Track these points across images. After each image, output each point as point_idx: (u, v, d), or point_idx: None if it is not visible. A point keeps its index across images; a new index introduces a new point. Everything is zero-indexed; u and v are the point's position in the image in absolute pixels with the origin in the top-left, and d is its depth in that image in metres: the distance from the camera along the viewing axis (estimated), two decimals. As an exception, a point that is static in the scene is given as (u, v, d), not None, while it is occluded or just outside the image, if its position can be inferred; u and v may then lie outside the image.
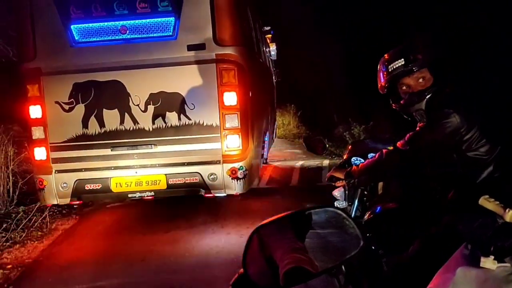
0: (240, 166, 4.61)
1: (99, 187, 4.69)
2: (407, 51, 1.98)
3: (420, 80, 1.96)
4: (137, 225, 5.16)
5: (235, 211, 5.32)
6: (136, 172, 4.66)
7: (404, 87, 2.01)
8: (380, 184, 2.36)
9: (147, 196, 4.71)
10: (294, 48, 13.64)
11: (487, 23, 9.09)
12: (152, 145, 4.59)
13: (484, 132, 1.87)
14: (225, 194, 4.70)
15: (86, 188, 4.70)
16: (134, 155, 4.64)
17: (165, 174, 4.63)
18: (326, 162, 8.22)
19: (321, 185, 6.37)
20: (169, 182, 4.63)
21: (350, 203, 2.23)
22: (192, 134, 4.58)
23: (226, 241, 4.42)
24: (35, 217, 5.18)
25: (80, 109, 4.63)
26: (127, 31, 4.55)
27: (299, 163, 8.39)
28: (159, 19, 4.50)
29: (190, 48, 4.46)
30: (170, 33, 4.51)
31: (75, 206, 5.66)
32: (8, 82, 7.94)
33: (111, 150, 4.62)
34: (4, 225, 4.87)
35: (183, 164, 4.62)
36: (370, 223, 2.11)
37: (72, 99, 4.62)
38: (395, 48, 2.05)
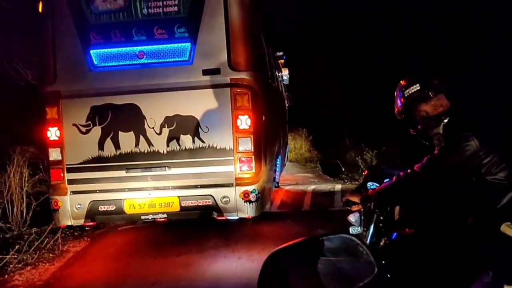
0: (253, 190, 4.61)
1: (112, 209, 4.72)
2: (423, 77, 2.02)
3: (437, 106, 1.99)
4: (148, 248, 5.14)
5: (246, 235, 5.29)
6: (150, 194, 4.69)
7: (422, 113, 2.03)
8: (397, 209, 2.33)
9: (160, 218, 4.72)
10: (307, 73, 13.82)
11: (487, 23, 9.10)
12: (166, 167, 4.63)
13: (503, 156, 1.87)
14: (237, 217, 4.69)
15: (100, 209, 4.74)
16: (148, 177, 4.68)
17: (178, 197, 4.65)
18: (338, 186, 8.18)
19: (333, 210, 6.34)
20: (182, 205, 4.64)
21: (365, 229, 2.19)
22: (206, 157, 4.62)
23: (238, 265, 4.39)
24: (47, 239, 5.22)
25: (96, 131, 4.72)
26: (145, 56, 4.67)
27: (311, 187, 8.36)
28: (175, 45, 4.62)
29: (205, 72, 4.56)
30: (186, 58, 4.61)
31: (86, 228, 5.69)
32: (26, 105, 8.17)
33: (126, 172, 4.67)
34: (17, 247, 4.89)
35: (196, 187, 4.64)
36: (386, 249, 2.08)
37: (89, 122, 4.71)
38: (411, 74, 2.08)
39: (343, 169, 2.57)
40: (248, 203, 4.60)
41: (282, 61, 9.49)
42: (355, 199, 2.19)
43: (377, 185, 2.29)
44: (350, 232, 2.17)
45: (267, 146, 5.03)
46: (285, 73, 9.83)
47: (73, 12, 4.68)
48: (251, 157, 4.61)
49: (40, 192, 6.50)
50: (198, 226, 5.42)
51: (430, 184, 2.01)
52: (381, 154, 9.54)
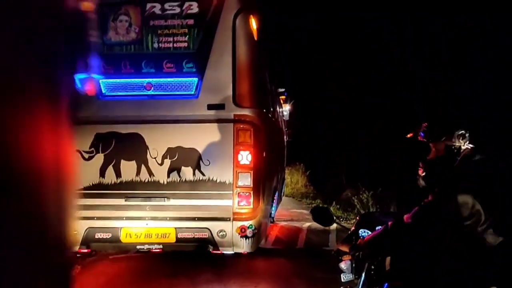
0: (250, 225, 4.64)
1: (108, 237, 4.72)
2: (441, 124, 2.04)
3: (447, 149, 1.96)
4: (139, 279, 5.07)
5: (239, 271, 5.23)
6: (147, 224, 4.70)
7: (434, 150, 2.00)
8: (388, 259, 2.29)
9: (155, 249, 4.71)
10: (306, 107, 14.07)
11: (487, 23, 9.23)
12: (165, 198, 4.67)
13: (496, 223, 1.81)
14: (233, 252, 4.69)
15: (95, 236, 4.73)
16: (146, 207, 4.71)
17: (175, 228, 4.66)
18: (333, 225, 8.15)
19: (328, 249, 6.30)
20: (179, 236, 4.65)
21: (356, 277, 2.20)
22: (205, 190, 4.67)
23: (230, 302, 4.35)
24: None
25: (99, 158, 4.78)
26: (152, 88, 4.80)
27: (306, 225, 8.32)
28: (183, 79, 4.76)
29: (210, 107, 4.68)
30: (192, 92, 4.75)
31: (78, 256, 5.64)
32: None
33: (125, 201, 4.70)
34: None
35: (193, 219, 4.66)
36: None
37: (93, 148, 4.78)
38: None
39: (335, 218, 2.53)
40: (244, 238, 4.62)
41: (283, 97, 9.72)
42: (345, 248, 2.20)
43: (369, 232, 2.30)
44: (342, 279, 2.19)
45: (265, 182, 5.09)
46: (285, 109, 10.06)
47: (86, 42, 4.84)
48: (250, 193, 4.66)
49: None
50: (191, 258, 5.37)
51: (421, 231, 1.97)
52: (377, 196, 9.51)
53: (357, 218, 2.69)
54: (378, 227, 2.24)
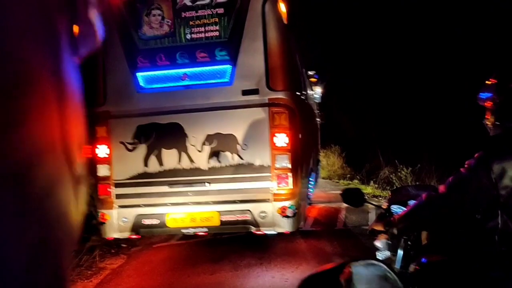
0: (290, 205, 4.75)
1: (156, 223, 4.97)
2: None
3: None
4: (182, 266, 5.21)
5: (280, 253, 5.36)
6: (191, 209, 4.91)
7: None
8: (424, 233, 2.21)
9: (201, 232, 4.93)
10: (340, 90, 13.96)
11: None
12: (207, 183, 4.86)
13: None
14: (275, 232, 4.83)
15: (143, 223, 5.00)
16: (189, 193, 4.92)
17: (218, 211, 4.85)
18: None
19: (367, 228, 6.28)
20: (222, 219, 4.84)
21: (393, 254, 2.13)
22: (244, 173, 4.81)
23: (271, 285, 4.42)
24: (85, 257, 5.39)
25: (142, 149, 5.02)
26: (187, 78, 4.97)
27: (344, 205, 8.36)
28: (217, 67, 4.90)
29: (245, 93, 4.80)
30: (227, 80, 4.88)
31: (123, 245, 5.94)
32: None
33: (169, 187, 4.93)
34: None
35: (235, 202, 4.83)
36: (416, 275, 1.97)
37: (136, 140, 5.02)
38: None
39: (366, 197, 2.44)
40: (285, 218, 4.74)
41: (314, 79, 9.69)
42: (379, 227, 2.11)
43: (403, 208, 2.19)
44: (378, 257, 2.13)
45: (303, 163, 5.18)
46: (317, 91, 10.03)
47: (122, 38, 5.06)
48: (288, 174, 4.77)
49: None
50: (231, 243, 5.52)
51: (459, 206, 1.83)
52: (415, 172, 9.36)
53: (389, 194, 2.61)
54: (411, 202, 2.12)
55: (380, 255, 2.15)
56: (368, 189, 10.35)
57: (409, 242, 2.12)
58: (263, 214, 4.77)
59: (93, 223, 5.47)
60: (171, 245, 6.06)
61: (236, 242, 5.49)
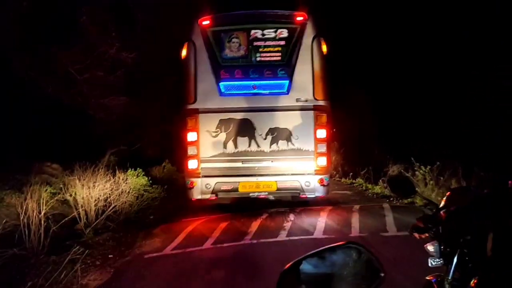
0: (326, 177, 7.04)
1: (230, 188, 7.09)
2: None
3: None
4: (175, 282, 4.45)
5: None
6: (257, 179, 7.07)
7: None
8: (490, 240, 1.50)
9: (263, 195, 7.10)
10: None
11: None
12: (270, 161, 7.04)
13: None
14: (314, 196, 7.08)
15: (221, 188, 7.10)
16: (256, 168, 7.07)
17: (276, 181, 7.05)
18: (386, 205, 7.64)
19: (385, 235, 5.57)
20: (278, 186, 7.04)
21: (446, 262, 1.70)
22: (295, 155, 7.04)
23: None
24: (65, 271, 4.52)
25: (222, 136, 7.14)
26: (256, 88, 7.14)
27: (356, 208, 7.45)
28: (278, 81, 7.11)
29: (297, 100, 7.04)
30: (285, 91, 7.10)
31: (109, 256, 5.35)
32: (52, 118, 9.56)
33: (242, 163, 7.07)
34: (32, 281, 4.23)
35: (288, 174, 7.04)
36: None
37: (218, 129, 7.13)
38: None
39: (416, 188, 2.09)
40: (323, 186, 7.01)
41: None
42: (421, 224, 1.78)
43: None
44: (429, 264, 1.76)
45: (331, 150, 7.48)
46: None
47: (210, 57, 7.16)
48: (325, 156, 7.04)
49: (62, 213, 6.21)
50: (226, 266, 4.82)
51: None
52: (434, 171, 7.77)
53: (448, 193, 1.94)
54: None
55: (431, 262, 1.76)
56: (376, 189, 9.74)
57: (465, 250, 1.62)
58: (307, 183, 7.00)
59: (75, 228, 5.82)
60: (165, 256, 5.32)
61: (230, 264, 4.85)
